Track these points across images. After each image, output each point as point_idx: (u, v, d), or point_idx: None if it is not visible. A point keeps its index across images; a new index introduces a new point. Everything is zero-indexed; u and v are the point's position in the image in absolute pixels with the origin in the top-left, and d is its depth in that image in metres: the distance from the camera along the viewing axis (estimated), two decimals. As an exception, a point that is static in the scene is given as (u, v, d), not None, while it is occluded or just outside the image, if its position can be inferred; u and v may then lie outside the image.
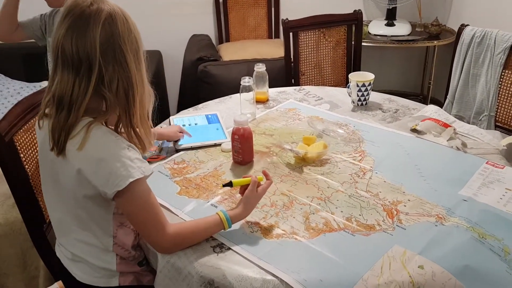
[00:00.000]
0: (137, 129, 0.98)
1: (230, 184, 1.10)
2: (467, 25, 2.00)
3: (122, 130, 0.98)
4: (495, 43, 1.87)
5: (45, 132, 0.96)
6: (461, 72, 2.02)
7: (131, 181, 0.91)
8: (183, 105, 2.72)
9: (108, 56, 0.91)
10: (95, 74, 0.90)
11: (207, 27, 3.11)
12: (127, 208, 0.96)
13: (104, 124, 0.96)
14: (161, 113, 2.27)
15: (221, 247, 1.03)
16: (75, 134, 0.92)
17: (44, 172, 1.04)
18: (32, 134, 1.29)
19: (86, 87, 0.91)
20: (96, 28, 0.90)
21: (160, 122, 1.65)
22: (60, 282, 1.33)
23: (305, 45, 2.22)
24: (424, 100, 3.09)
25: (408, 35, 2.81)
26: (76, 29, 0.90)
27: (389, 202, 1.16)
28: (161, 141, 1.48)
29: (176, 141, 1.46)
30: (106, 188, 0.92)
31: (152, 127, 1.04)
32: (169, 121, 1.63)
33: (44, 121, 0.98)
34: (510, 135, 1.53)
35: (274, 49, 2.78)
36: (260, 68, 1.71)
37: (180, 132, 1.46)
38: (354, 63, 2.31)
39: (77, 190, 0.96)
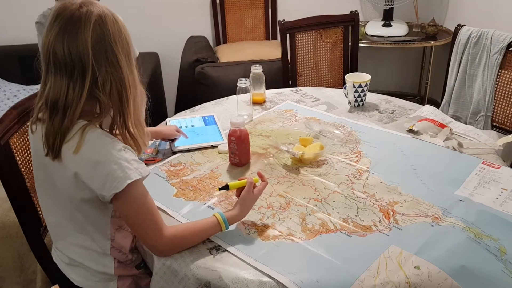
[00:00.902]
0: (132, 130, 0.98)
1: (226, 187, 1.10)
2: (464, 25, 2.00)
3: (117, 132, 0.98)
4: (491, 43, 1.88)
5: (39, 136, 0.96)
6: (458, 72, 2.02)
7: (129, 183, 0.91)
8: (180, 106, 2.72)
9: (101, 57, 0.91)
10: (88, 77, 0.90)
11: (204, 28, 3.11)
12: (124, 210, 0.96)
13: (99, 126, 0.96)
14: (159, 115, 2.28)
15: (217, 249, 1.02)
16: (70, 137, 0.92)
17: (39, 176, 1.04)
18: (28, 137, 1.29)
19: (80, 90, 0.91)
20: (87, 30, 0.89)
21: (155, 124, 1.65)
22: (57, 286, 1.33)
23: (302, 46, 2.22)
24: (421, 101, 3.09)
25: (405, 35, 2.81)
26: (67, 32, 0.89)
27: (385, 202, 1.16)
28: (157, 143, 1.48)
29: (172, 141, 1.46)
30: (104, 191, 0.92)
31: (145, 127, 1.04)
32: (166, 123, 1.63)
33: (37, 125, 0.98)
34: (506, 135, 1.53)
35: (271, 51, 2.78)
36: (257, 69, 1.71)
37: (177, 132, 1.46)
38: (351, 64, 2.32)
39: (74, 193, 0.95)
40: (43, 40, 0.92)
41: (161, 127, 1.47)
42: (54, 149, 0.92)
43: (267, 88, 1.80)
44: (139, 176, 0.93)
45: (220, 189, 1.10)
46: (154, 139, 1.49)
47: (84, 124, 0.93)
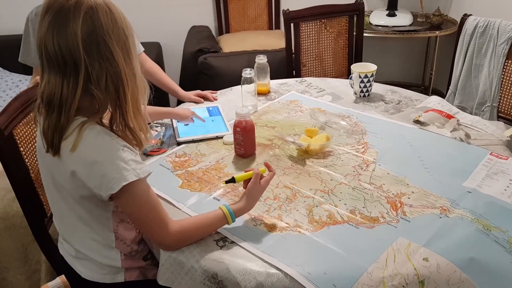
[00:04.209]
0: (131, 126, 0.94)
1: (232, 180, 1.08)
2: (470, 15, 1.98)
3: (116, 128, 0.94)
4: (498, 33, 1.85)
5: (40, 130, 0.94)
6: (464, 62, 2.00)
7: (124, 184, 0.89)
8: (183, 97, 2.69)
9: (93, 52, 0.86)
10: (82, 73, 0.86)
11: (207, 18, 3.08)
12: (126, 209, 0.95)
13: (100, 122, 0.93)
14: (162, 105, 2.25)
15: (224, 241, 1.02)
16: (68, 135, 0.89)
17: (43, 170, 1.02)
18: (31, 127, 1.28)
19: (74, 87, 0.87)
20: (76, 23, 0.85)
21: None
22: (62, 277, 1.33)
23: (306, 36, 2.20)
24: (426, 91, 3.07)
25: (410, 25, 2.78)
26: (57, 26, 0.85)
27: (393, 194, 1.15)
28: (162, 134, 1.47)
29: (186, 125, 1.46)
30: (101, 191, 0.90)
31: (149, 122, 1.02)
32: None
33: (39, 121, 0.95)
34: (513, 126, 1.52)
35: (275, 40, 2.76)
36: (262, 59, 1.69)
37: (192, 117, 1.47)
38: (355, 54, 2.30)
39: (74, 190, 0.94)
40: (36, 34, 0.89)
41: (177, 109, 1.46)
42: (53, 146, 0.90)
43: (270, 78, 1.78)
44: (136, 177, 0.90)
45: (226, 182, 1.09)
46: (158, 130, 1.47)
47: (82, 121, 0.90)
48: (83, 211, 0.98)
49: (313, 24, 2.19)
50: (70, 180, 0.92)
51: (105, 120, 0.96)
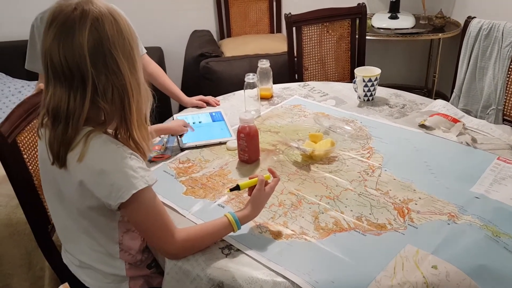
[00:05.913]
0: (136, 137, 0.93)
1: (237, 187, 1.07)
2: (474, 17, 1.97)
3: (120, 138, 0.94)
4: (502, 35, 1.84)
5: (45, 142, 0.92)
6: (468, 65, 1.99)
7: (134, 192, 0.88)
8: (185, 102, 2.68)
9: (99, 64, 0.85)
10: (89, 86, 0.85)
11: (208, 22, 3.07)
12: (133, 218, 0.94)
13: (104, 131, 0.92)
14: (164, 112, 2.25)
15: (229, 249, 1.01)
16: (74, 145, 0.88)
17: (46, 182, 1.01)
18: (34, 134, 1.27)
19: (82, 99, 0.86)
20: (83, 34, 0.83)
21: (161, 122, 1.62)
22: (66, 285, 1.32)
23: (308, 39, 2.19)
24: (429, 94, 3.06)
25: (412, 27, 2.77)
26: (63, 38, 0.84)
27: (399, 200, 1.14)
28: (165, 140, 1.46)
29: (180, 136, 1.44)
30: (110, 200, 0.89)
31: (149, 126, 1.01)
32: (173, 119, 1.61)
33: (43, 131, 0.93)
34: (519, 129, 1.50)
35: (276, 44, 2.75)
36: (264, 64, 1.68)
37: (185, 127, 1.44)
38: (358, 57, 2.29)
39: (81, 201, 0.93)
40: (40, 45, 0.88)
41: (168, 123, 1.45)
42: (59, 158, 0.89)
43: (272, 82, 1.77)
44: (145, 184, 0.90)
45: (231, 190, 1.08)
46: (162, 136, 1.46)
47: (88, 131, 0.89)
48: (87, 223, 0.97)
49: (315, 27, 2.19)
50: (77, 190, 0.91)
51: (109, 130, 0.95)
